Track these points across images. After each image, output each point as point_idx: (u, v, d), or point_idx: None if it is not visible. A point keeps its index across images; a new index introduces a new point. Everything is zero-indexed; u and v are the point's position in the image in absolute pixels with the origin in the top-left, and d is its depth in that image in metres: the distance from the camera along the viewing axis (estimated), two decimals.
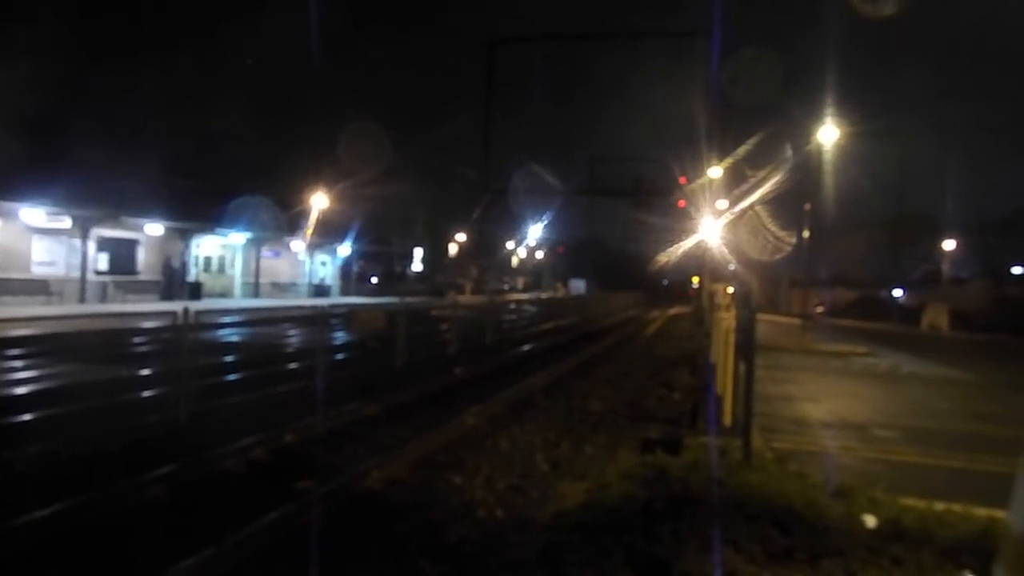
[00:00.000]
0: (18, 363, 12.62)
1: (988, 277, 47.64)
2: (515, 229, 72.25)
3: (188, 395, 8.59)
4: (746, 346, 6.88)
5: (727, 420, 8.03)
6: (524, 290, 70.39)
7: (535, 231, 73.30)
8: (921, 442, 8.23)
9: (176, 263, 31.16)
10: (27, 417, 8.21)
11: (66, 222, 25.75)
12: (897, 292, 46.56)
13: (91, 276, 27.25)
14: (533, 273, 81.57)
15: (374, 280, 51.80)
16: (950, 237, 50.36)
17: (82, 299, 26.06)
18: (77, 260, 26.72)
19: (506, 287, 70.98)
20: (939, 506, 5.09)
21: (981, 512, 4.91)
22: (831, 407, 10.35)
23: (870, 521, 4.74)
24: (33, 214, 24.66)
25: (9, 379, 11.01)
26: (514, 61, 33.32)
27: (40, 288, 25.63)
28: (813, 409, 10.11)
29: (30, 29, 29.88)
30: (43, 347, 14.49)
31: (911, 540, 4.48)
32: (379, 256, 51.99)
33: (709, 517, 4.74)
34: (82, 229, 26.32)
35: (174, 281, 30.80)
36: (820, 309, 32.81)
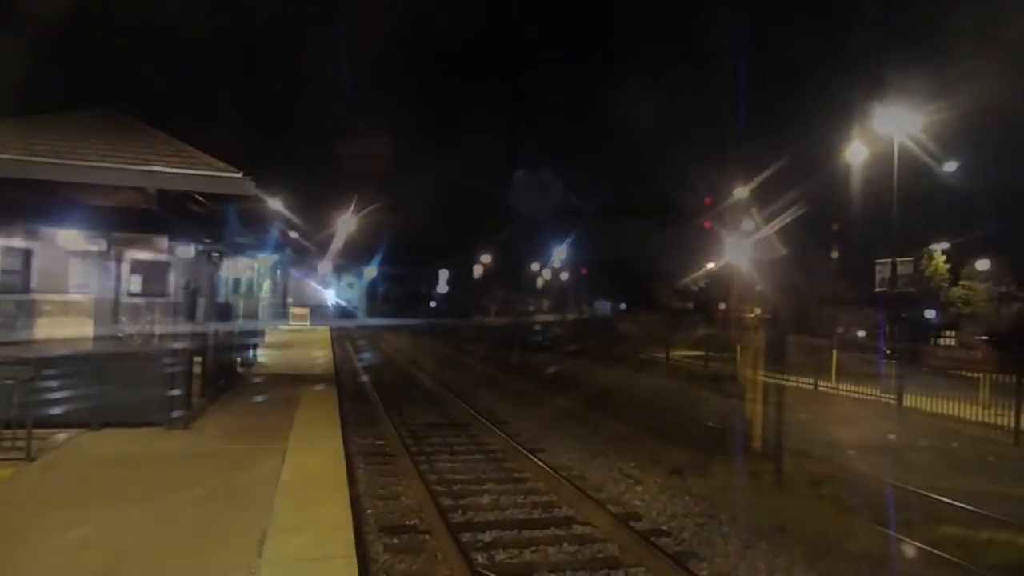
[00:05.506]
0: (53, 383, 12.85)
1: None
2: (539, 250, 72.20)
3: None
4: (775, 368, 6.79)
5: (756, 443, 7.92)
6: (549, 312, 70.08)
7: (559, 252, 73.15)
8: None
9: (194, 285, 31.37)
10: None
11: (101, 245, 26.33)
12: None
13: (124, 298, 27.77)
14: (558, 295, 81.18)
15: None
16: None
17: (115, 320, 26.55)
18: (111, 282, 27.26)
19: (531, 308, 70.68)
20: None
21: None
22: (861, 431, 10.14)
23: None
24: (70, 237, 25.26)
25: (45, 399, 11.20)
26: (536, 81, 33.63)
27: (76, 309, 26.25)
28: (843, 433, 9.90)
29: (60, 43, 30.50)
30: (79, 367, 14.78)
31: None
32: (405, 278, 52.28)
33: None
34: (116, 251, 26.89)
35: (196, 303, 31.16)
36: (842, 329, 32.16)
